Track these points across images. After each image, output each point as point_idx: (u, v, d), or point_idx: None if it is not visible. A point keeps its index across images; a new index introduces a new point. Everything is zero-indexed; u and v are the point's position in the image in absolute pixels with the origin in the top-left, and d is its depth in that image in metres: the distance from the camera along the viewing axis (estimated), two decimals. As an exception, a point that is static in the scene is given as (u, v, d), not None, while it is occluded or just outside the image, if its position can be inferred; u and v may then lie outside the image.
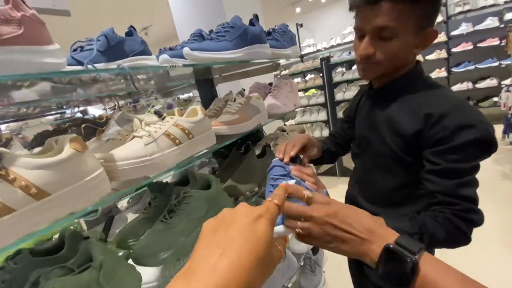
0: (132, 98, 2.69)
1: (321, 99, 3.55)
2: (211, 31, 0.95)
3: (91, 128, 1.16)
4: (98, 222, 1.09)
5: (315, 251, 1.54)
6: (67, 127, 1.23)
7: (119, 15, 4.95)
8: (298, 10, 5.98)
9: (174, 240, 0.67)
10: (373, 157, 0.75)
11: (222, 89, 1.68)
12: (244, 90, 1.40)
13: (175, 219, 0.70)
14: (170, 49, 1.07)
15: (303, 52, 6.09)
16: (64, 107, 2.72)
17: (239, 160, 1.15)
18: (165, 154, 0.63)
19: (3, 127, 2.56)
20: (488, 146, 0.56)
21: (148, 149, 0.61)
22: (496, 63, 4.10)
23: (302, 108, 3.81)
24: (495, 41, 4.05)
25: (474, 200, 0.57)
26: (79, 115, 3.05)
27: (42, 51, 0.47)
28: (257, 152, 1.24)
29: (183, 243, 0.68)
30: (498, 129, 3.56)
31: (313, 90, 3.82)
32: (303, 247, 1.39)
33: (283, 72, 5.37)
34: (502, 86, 3.84)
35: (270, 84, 1.36)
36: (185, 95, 3.00)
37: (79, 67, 0.60)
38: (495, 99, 4.17)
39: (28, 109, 1.55)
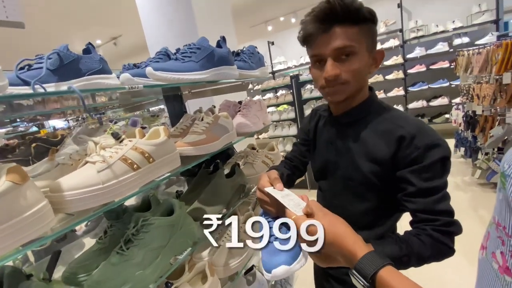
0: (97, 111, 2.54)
1: (292, 115, 3.65)
2: (177, 50, 0.94)
3: (43, 147, 1.06)
4: (49, 251, 0.99)
5: (263, 274, 1.52)
6: (15, 145, 1.12)
7: (87, 24, 4.75)
8: (270, 28, 6.19)
9: (131, 274, 0.62)
10: (341, 181, 0.77)
11: (192, 104, 1.65)
12: (214, 107, 1.39)
13: (132, 250, 0.65)
14: (135, 65, 1.03)
15: (274, 69, 6.28)
16: (18, 120, 2.49)
17: (207, 180, 1.12)
18: (120, 181, 0.59)
19: None
20: (449, 162, 0.63)
21: (101, 176, 0.56)
22: (447, 84, 4.55)
23: (274, 123, 3.88)
24: (445, 64, 4.52)
25: (451, 212, 0.62)
26: (34, 129, 2.81)
27: (-25, 73, 0.42)
28: (226, 171, 1.22)
29: (140, 277, 0.63)
30: (450, 143, 3.90)
31: (284, 106, 3.92)
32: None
33: (256, 87, 5.47)
34: (453, 104, 4.26)
35: (240, 102, 1.36)
36: (156, 108, 2.90)
37: (24, 88, 0.55)
38: (447, 116, 4.60)
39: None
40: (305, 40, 0.68)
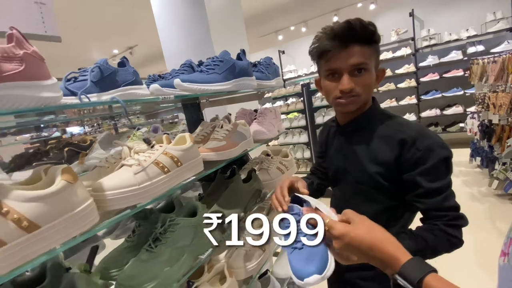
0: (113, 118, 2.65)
1: (302, 122, 3.68)
2: (200, 63, 1.00)
3: (74, 151, 1.14)
4: (75, 250, 1.05)
5: (293, 279, 1.53)
6: (48, 149, 1.20)
7: (105, 35, 4.98)
8: (280, 37, 6.31)
9: (160, 270, 0.67)
10: (351, 185, 0.81)
11: (208, 112, 1.71)
12: (230, 114, 1.45)
13: (160, 247, 0.70)
14: (160, 76, 1.11)
15: (285, 77, 6.36)
16: (42, 125, 2.63)
17: (224, 185, 1.17)
18: (154, 182, 0.65)
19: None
20: (451, 162, 0.68)
21: (138, 178, 0.62)
22: (461, 92, 4.50)
23: (285, 130, 3.91)
24: (459, 72, 4.47)
25: (458, 207, 0.67)
26: (57, 134, 2.95)
27: (41, 86, 0.49)
28: (243, 176, 1.26)
29: (168, 273, 0.68)
30: (465, 152, 3.84)
31: (294, 113, 3.96)
32: (287, 272, 1.39)
33: (266, 95, 5.55)
34: (468, 113, 4.20)
35: (255, 110, 1.42)
36: (169, 116, 3.00)
37: (72, 98, 0.62)
38: (461, 124, 4.53)
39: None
40: (321, 54, 0.73)
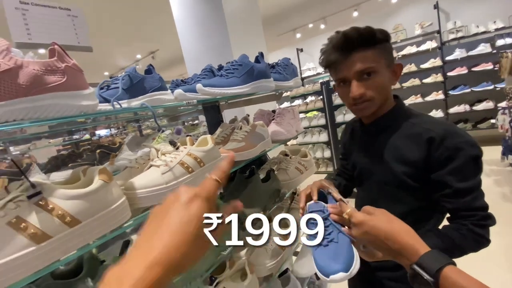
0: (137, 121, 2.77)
1: (322, 121, 3.64)
2: (220, 67, 1.04)
3: (105, 153, 1.23)
4: (105, 245, 1.13)
5: (318, 276, 1.53)
6: (81, 151, 1.30)
7: (129, 41, 5.21)
8: (298, 35, 6.27)
9: (185, 264, 0.71)
10: (377, 186, 0.81)
11: (227, 113, 1.76)
12: (248, 115, 1.48)
13: (186, 243, 0.74)
14: (183, 81, 1.16)
15: (303, 75, 6.30)
16: (73, 129, 2.82)
17: (243, 185, 1.20)
18: (179, 182, 0.69)
19: (11, 148, 2.64)
20: (481, 161, 0.66)
21: (165, 178, 0.67)
22: (491, 87, 4.23)
23: (304, 129, 3.89)
24: (488, 66, 4.21)
25: (486, 207, 0.67)
26: (87, 136, 3.14)
27: (81, 95, 0.54)
28: (261, 176, 1.29)
29: (192, 268, 0.71)
30: (497, 150, 3.61)
31: (314, 112, 3.93)
32: (307, 272, 1.40)
33: (285, 94, 5.54)
34: (499, 108, 3.94)
35: (273, 111, 1.44)
36: (190, 118, 3.10)
37: (105, 104, 0.68)
38: (493, 121, 4.26)
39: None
40: (328, 66, 0.76)
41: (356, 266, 0.56)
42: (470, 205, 0.66)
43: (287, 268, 1.37)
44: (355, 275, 0.56)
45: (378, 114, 0.79)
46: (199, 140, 0.86)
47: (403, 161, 0.73)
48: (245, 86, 0.92)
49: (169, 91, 0.86)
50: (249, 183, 1.17)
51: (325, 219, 0.61)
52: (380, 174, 0.79)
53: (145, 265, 0.26)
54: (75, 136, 3.18)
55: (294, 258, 1.54)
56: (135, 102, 0.73)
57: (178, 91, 0.88)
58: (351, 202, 0.81)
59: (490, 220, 0.66)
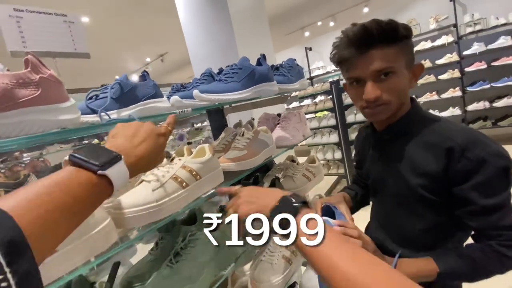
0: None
1: (332, 121, 3.53)
2: (220, 71, 0.98)
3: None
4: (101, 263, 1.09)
5: None
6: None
7: (139, 44, 5.26)
8: (307, 34, 6.15)
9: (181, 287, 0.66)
10: (392, 199, 0.74)
11: (233, 116, 1.71)
12: (253, 119, 1.42)
13: (181, 263, 0.69)
14: (182, 86, 1.11)
15: (312, 74, 6.18)
16: (84, 135, 2.85)
17: (248, 193, 1.14)
18: (171, 198, 0.63)
19: (24, 153, 2.69)
20: (510, 174, 0.58)
21: (155, 195, 0.61)
22: (513, 82, 3.99)
23: (313, 130, 3.79)
24: (509, 60, 3.97)
25: None
26: (95, 141, 3.18)
27: (58, 109, 0.49)
28: (266, 184, 1.22)
29: (189, 290, 0.66)
30: (521, 150, 3.39)
31: (324, 112, 3.82)
32: (315, 284, 1.32)
33: (293, 94, 5.44)
34: (522, 105, 3.71)
35: (279, 114, 1.37)
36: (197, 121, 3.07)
37: (93, 116, 0.63)
38: (515, 118, 4.02)
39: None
40: (340, 62, 0.68)
41: None
42: (497, 224, 0.58)
43: (295, 282, 1.30)
44: None
45: (392, 120, 0.70)
46: (196, 149, 0.81)
47: (420, 173, 0.65)
48: (245, 91, 0.86)
49: (164, 98, 0.81)
50: (253, 192, 1.11)
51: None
52: (394, 186, 0.72)
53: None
54: (84, 142, 3.23)
55: (303, 268, 1.47)
56: (126, 112, 0.68)
57: (175, 97, 0.83)
58: (367, 211, 0.75)
59: None
